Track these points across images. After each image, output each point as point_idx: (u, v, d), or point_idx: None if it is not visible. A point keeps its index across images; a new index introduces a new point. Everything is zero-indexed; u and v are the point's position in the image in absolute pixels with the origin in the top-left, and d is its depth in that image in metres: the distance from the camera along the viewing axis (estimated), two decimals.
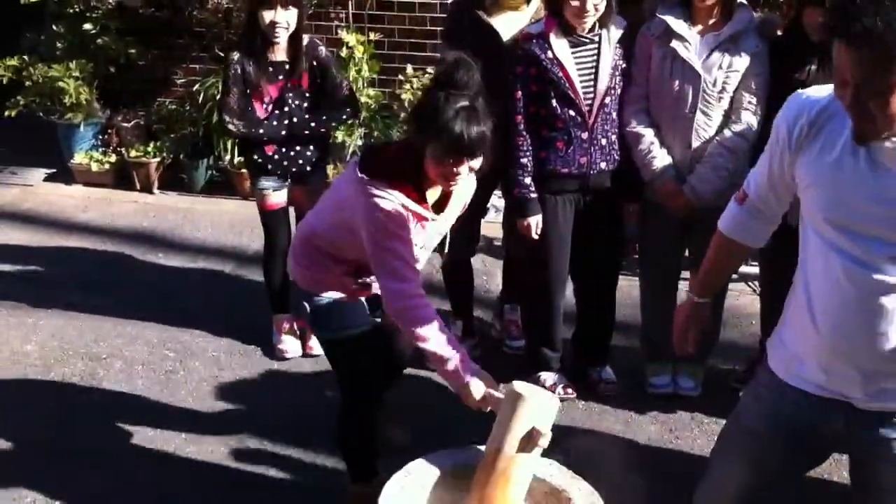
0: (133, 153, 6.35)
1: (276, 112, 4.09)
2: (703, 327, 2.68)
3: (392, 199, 2.72)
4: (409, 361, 3.46)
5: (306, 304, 3.05)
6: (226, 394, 4.14)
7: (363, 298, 3.08)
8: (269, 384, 4.22)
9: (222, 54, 6.20)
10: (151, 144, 6.37)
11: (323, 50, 4.17)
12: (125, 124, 6.46)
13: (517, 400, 2.45)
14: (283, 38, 4.00)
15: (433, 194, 2.89)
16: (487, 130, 2.68)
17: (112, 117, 6.53)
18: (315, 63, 4.12)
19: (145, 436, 3.83)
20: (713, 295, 2.70)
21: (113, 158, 6.44)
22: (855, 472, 2.41)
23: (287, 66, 4.07)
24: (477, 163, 2.74)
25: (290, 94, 4.10)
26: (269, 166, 4.14)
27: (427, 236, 2.89)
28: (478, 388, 2.69)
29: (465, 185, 2.96)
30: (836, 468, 3.46)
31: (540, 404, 2.46)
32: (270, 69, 4.05)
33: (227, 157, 6.13)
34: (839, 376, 2.21)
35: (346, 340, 3.06)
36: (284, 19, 3.94)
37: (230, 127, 4.10)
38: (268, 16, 3.92)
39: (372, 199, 2.71)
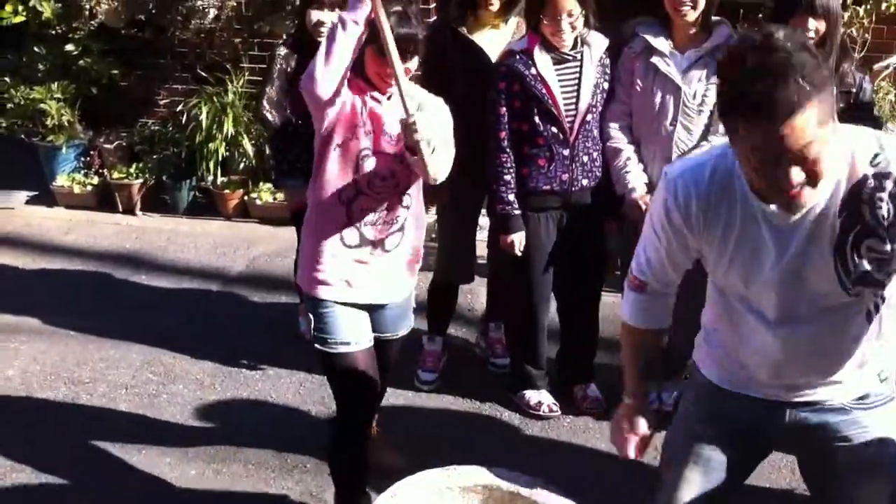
0: (116, 175, 6.33)
1: None
2: (650, 418, 2.50)
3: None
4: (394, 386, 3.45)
5: (310, 315, 3.07)
6: (210, 416, 4.11)
7: (366, 314, 3.09)
8: (253, 406, 4.19)
9: (205, 74, 6.23)
10: (134, 166, 6.36)
11: None
12: (107, 146, 6.45)
13: None
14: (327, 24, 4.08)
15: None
16: (419, 33, 2.89)
17: (94, 139, 6.51)
18: None
19: (129, 460, 3.79)
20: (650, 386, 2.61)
21: (95, 180, 6.41)
22: (808, 465, 2.43)
23: None
24: (411, 65, 2.91)
25: None
26: (298, 164, 4.12)
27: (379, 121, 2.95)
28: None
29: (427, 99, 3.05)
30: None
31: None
32: None
33: (210, 178, 6.11)
34: (767, 388, 2.29)
35: (343, 357, 3.04)
36: (330, 19, 3.97)
37: (268, 117, 4.17)
38: (315, 15, 4.01)
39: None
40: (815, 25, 3.40)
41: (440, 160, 2.91)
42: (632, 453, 2.47)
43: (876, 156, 1.94)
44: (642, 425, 2.46)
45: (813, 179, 1.87)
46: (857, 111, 3.51)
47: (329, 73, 2.75)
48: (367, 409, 3.20)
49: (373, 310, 3.14)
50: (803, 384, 2.26)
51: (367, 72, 2.91)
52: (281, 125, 4.14)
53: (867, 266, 2.00)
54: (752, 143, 1.84)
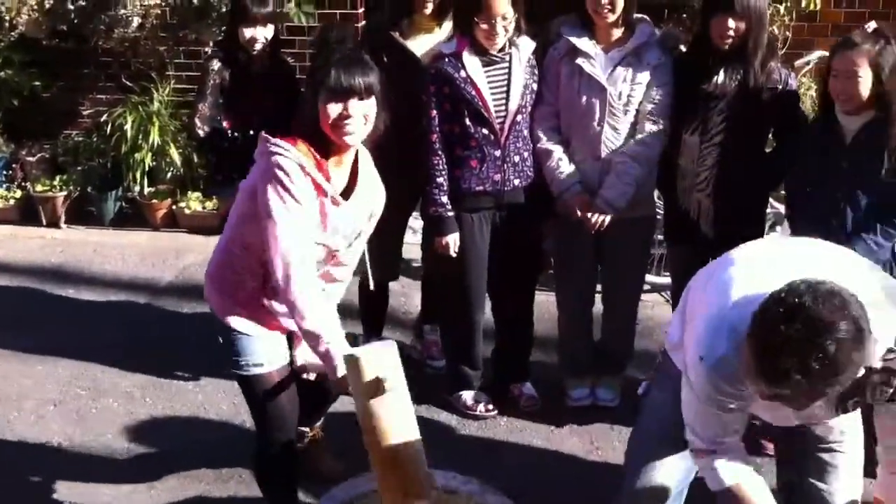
0: (39, 187, 6.19)
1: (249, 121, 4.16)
2: None
3: (290, 156, 2.69)
4: (334, 398, 3.43)
5: (220, 339, 2.98)
6: (142, 430, 4.03)
7: (280, 334, 3.02)
8: (186, 419, 4.12)
9: (129, 84, 6.13)
10: (58, 178, 6.22)
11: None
12: (30, 158, 6.31)
13: (353, 363, 2.48)
14: (259, 50, 4.15)
15: (338, 177, 2.84)
16: (372, 75, 2.71)
17: (16, 152, 6.36)
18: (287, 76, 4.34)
19: (60, 479, 3.69)
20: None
21: (18, 194, 6.26)
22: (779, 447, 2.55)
23: (263, 78, 4.19)
24: (368, 109, 2.73)
25: (263, 105, 4.16)
26: (234, 175, 4.06)
27: (332, 222, 2.82)
28: (342, 368, 2.68)
29: (372, 183, 2.97)
30: None
31: (377, 354, 2.50)
32: (247, 80, 4.18)
33: (137, 189, 6.01)
34: None
35: (258, 378, 2.98)
36: (262, 35, 4.11)
37: (199, 134, 4.21)
38: (248, 32, 4.08)
39: (271, 154, 2.70)
40: (735, 25, 3.44)
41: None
42: None
43: (888, 353, 2.07)
44: None
45: None
46: (782, 109, 3.58)
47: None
48: (288, 426, 3.13)
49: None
50: None
51: (321, 126, 2.74)
52: (216, 137, 4.15)
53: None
54: None
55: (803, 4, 5.35)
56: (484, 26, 3.56)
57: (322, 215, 2.78)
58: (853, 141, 3.28)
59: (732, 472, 2.38)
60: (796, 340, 1.87)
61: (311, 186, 2.72)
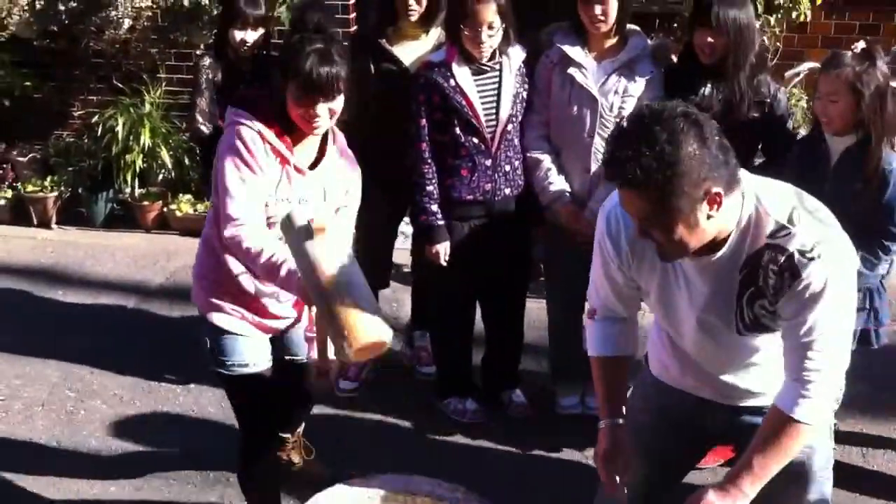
0: (30, 188, 6.18)
1: None
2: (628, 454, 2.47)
3: (251, 126, 2.70)
4: (316, 398, 3.43)
5: (206, 338, 2.99)
6: (130, 432, 4.04)
7: (265, 334, 3.02)
8: (173, 421, 4.13)
9: (121, 85, 6.13)
10: (49, 179, 6.22)
11: None
12: (21, 158, 6.30)
13: (286, 219, 2.56)
14: (247, 51, 4.19)
15: (304, 149, 2.84)
16: (342, 71, 2.68)
17: (7, 152, 6.36)
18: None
19: (48, 480, 3.70)
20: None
21: (9, 194, 6.24)
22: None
23: (253, 76, 4.20)
24: (336, 105, 2.73)
25: None
26: None
27: (298, 191, 2.81)
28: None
29: (344, 160, 2.95)
30: None
31: (306, 209, 2.62)
32: (238, 78, 4.21)
33: (128, 190, 6.01)
34: (699, 389, 2.46)
35: (242, 379, 2.99)
36: (253, 38, 4.16)
37: (202, 129, 4.24)
38: (239, 34, 4.13)
39: (234, 125, 2.71)
40: (714, 39, 3.43)
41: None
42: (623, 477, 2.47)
43: (779, 230, 2.09)
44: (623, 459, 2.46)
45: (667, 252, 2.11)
46: (770, 122, 3.58)
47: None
48: (271, 427, 3.14)
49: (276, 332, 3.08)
50: (736, 392, 2.40)
51: (290, 114, 2.74)
52: (216, 136, 4.14)
53: (759, 318, 2.21)
54: None
55: (794, 16, 5.38)
56: (468, 33, 3.56)
57: (288, 180, 2.78)
58: (838, 162, 3.27)
59: (598, 343, 2.51)
60: (631, 131, 1.99)
61: (273, 155, 2.73)
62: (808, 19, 5.50)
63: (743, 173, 2.09)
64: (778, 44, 5.52)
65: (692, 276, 2.22)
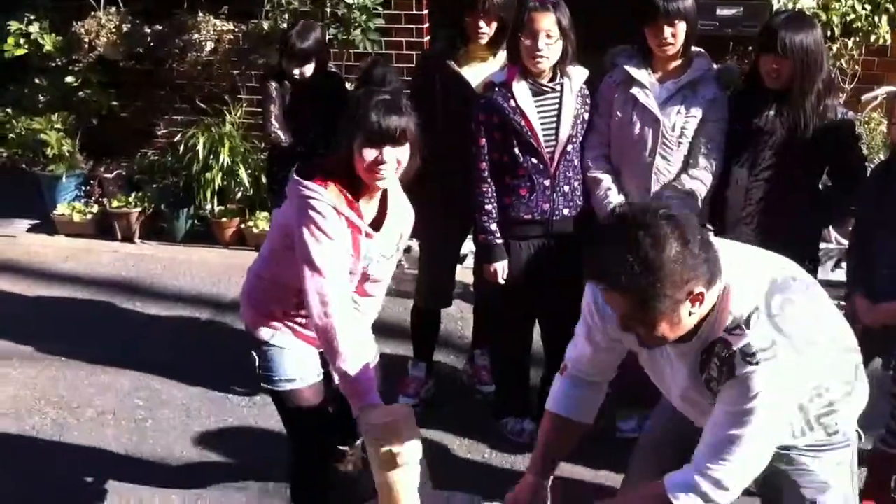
0: (115, 203, 6.40)
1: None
2: None
3: (323, 199, 2.72)
4: None
5: (254, 354, 3.03)
6: (195, 443, 4.15)
7: (314, 349, 3.05)
8: (238, 433, 4.22)
9: (203, 105, 6.31)
10: (133, 195, 6.43)
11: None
12: (107, 175, 6.53)
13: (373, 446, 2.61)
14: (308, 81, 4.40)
15: (368, 210, 2.87)
16: (408, 122, 2.71)
17: (94, 168, 6.60)
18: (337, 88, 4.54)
19: (111, 486, 3.79)
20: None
21: (95, 209, 6.49)
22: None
23: (313, 94, 4.40)
24: (401, 154, 2.74)
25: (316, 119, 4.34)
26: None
27: (365, 252, 2.85)
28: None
29: (401, 209, 2.98)
30: None
31: (395, 429, 2.59)
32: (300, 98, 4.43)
33: (209, 207, 6.18)
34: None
35: (289, 394, 3.03)
36: (310, 71, 4.37)
37: (280, 135, 4.43)
38: (295, 70, 4.36)
39: (304, 198, 2.72)
40: (779, 65, 3.39)
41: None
42: None
43: (735, 328, 2.14)
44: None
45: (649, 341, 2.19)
46: (834, 146, 3.51)
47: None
48: (321, 442, 3.17)
49: None
50: None
51: (356, 168, 2.75)
52: (291, 141, 4.38)
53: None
54: None
55: (872, 39, 5.27)
56: (527, 42, 3.56)
57: (355, 247, 2.81)
58: None
59: (557, 399, 2.58)
60: (614, 234, 2.05)
61: (345, 224, 2.76)
62: (888, 42, 5.37)
63: (723, 260, 2.13)
64: (857, 67, 5.40)
65: (674, 358, 2.30)
